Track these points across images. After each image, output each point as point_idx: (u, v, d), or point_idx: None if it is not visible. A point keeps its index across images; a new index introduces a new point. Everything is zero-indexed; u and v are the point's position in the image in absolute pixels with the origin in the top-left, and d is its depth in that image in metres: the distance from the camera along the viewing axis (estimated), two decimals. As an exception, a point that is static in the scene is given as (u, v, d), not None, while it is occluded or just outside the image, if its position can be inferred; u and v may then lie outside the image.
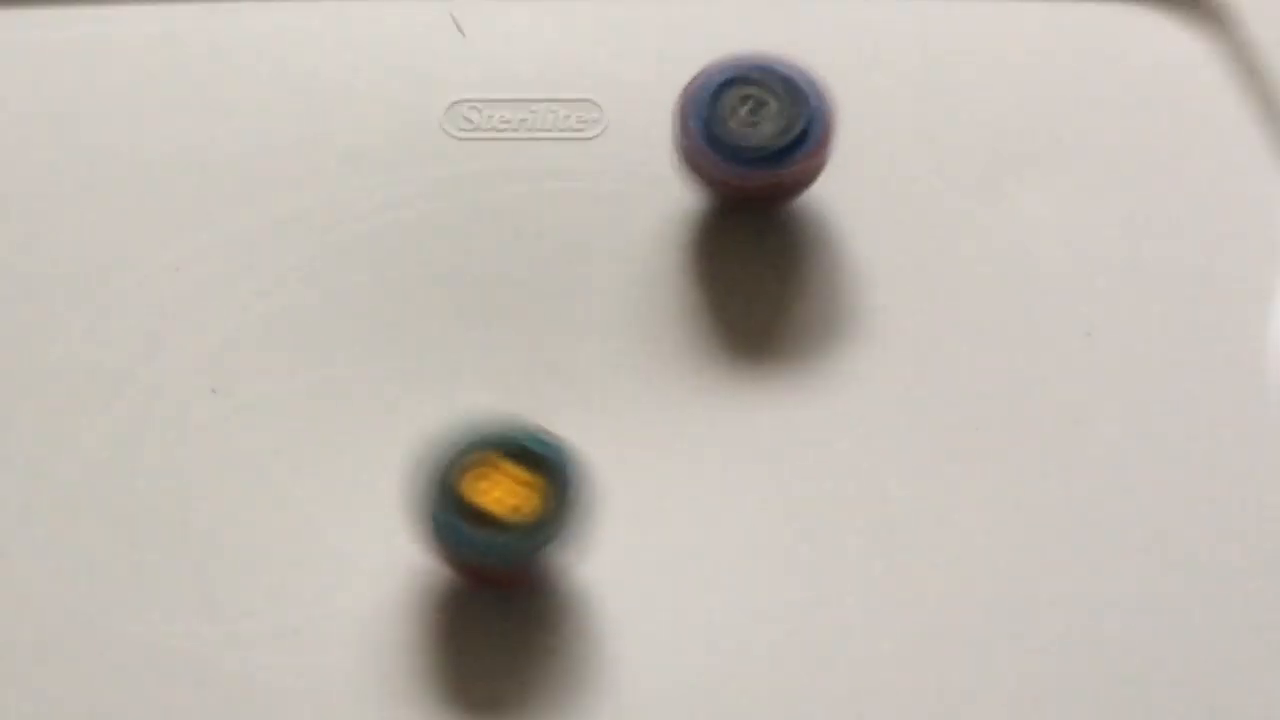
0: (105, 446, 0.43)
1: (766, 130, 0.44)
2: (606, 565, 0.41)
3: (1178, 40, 0.51)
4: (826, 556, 0.42)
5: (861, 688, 0.40)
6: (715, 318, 0.46)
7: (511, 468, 0.39)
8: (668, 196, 0.47)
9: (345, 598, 0.41)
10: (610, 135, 0.49)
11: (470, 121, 0.49)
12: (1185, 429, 0.44)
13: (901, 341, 0.45)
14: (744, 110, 0.44)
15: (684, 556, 0.42)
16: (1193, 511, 0.42)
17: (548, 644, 0.41)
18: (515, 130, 0.49)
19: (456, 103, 0.49)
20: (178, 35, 0.51)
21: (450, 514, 0.39)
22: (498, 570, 0.40)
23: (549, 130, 0.49)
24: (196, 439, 0.43)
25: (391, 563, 0.42)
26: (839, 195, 0.47)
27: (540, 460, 0.39)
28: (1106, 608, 0.41)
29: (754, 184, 0.44)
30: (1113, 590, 0.41)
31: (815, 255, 0.46)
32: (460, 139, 0.49)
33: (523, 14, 0.51)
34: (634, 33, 0.51)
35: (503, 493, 0.39)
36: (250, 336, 0.45)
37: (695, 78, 0.44)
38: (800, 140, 0.44)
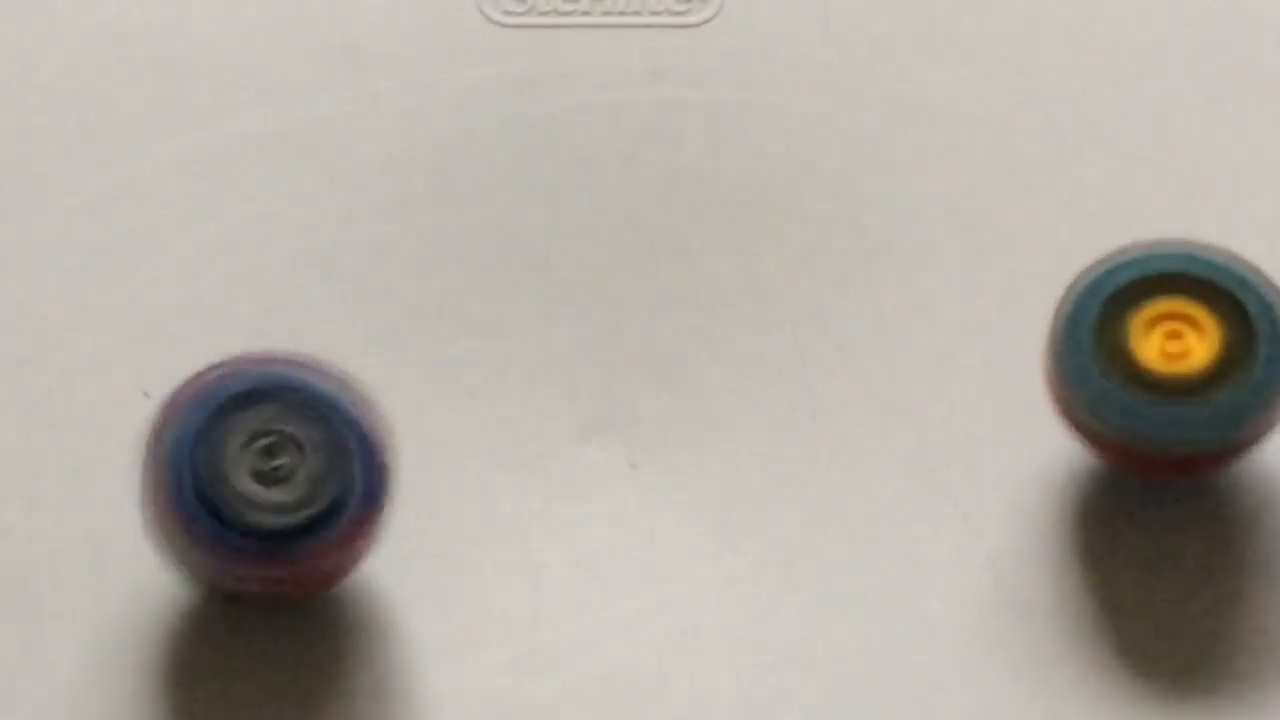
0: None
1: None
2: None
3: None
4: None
5: None
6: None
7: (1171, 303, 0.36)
8: (802, 108, 0.41)
9: None
10: (725, 19, 0.42)
11: (520, 0, 0.43)
12: None
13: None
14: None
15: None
16: None
17: None
18: (586, 12, 0.43)
19: (496, -28, 0.46)
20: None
21: (1112, 380, 0.35)
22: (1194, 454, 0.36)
23: (635, 12, 0.43)
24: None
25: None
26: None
27: (1205, 287, 0.36)
28: None
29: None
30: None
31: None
32: (505, 25, 0.43)
33: None
34: None
35: (1163, 339, 0.36)
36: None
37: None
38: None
